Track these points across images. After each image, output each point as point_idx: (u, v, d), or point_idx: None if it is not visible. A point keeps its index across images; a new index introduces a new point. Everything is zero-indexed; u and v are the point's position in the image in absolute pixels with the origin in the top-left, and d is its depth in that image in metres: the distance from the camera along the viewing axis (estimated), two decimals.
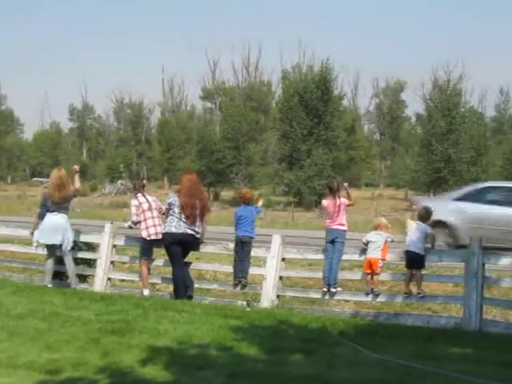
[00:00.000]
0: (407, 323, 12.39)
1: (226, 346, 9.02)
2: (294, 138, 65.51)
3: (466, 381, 7.54)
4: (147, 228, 14.09)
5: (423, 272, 13.07)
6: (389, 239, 13.00)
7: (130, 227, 14.38)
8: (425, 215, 13.02)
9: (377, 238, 12.95)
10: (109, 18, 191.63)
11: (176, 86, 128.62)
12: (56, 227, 14.41)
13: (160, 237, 14.02)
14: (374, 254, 12.87)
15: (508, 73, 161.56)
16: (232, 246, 14.07)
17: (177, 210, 13.73)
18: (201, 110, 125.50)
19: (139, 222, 14.17)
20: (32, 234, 15.03)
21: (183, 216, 13.69)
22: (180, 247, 13.82)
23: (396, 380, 7.44)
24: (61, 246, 14.54)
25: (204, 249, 14.56)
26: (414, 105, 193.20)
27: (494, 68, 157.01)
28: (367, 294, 13.19)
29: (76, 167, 15.14)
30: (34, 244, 15.08)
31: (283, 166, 67.30)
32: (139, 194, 14.40)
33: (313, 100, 65.99)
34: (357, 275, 14.04)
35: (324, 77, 67.56)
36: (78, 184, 14.87)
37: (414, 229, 12.67)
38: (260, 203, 14.81)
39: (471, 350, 9.75)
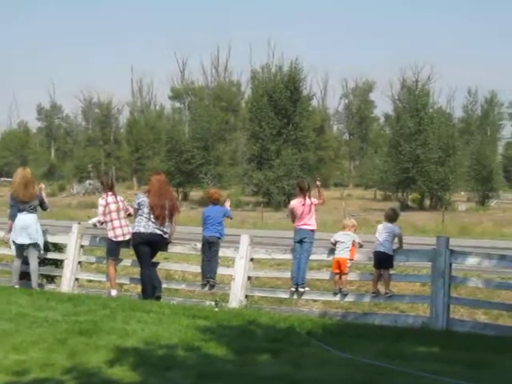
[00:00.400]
0: (375, 323, 12.44)
1: (194, 347, 8.97)
2: (263, 138, 65.69)
3: (433, 380, 7.57)
4: (114, 229, 14.02)
5: (391, 272, 13.14)
6: (357, 240, 13.06)
7: (95, 225, 14.29)
8: (393, 216, 13.09)
9: (345, 239, 12.99)
10: (78, 18, 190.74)
11: (145, 86, 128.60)
12: (25, 227, 14.28)
13: (127, 238, 13.97)
14: (342, 254, 12.91)
15: (476, 74, 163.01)
16: (200, 246, 14.05)
17: (146, 210, 13.69)
18: (170, 110, 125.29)
19: (105, 222, 14.10)
20: (6, 235, 14.82)
21: (152, 216, 13.65)
22: (148, 247, 13.78)
23: (364, 379, 7.45)
24: (29, 245, 14.42)
25: (172, 249, 14.52)
26: (382, 105, 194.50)
27: (462, 69, 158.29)
28: (335, 294, 13.24)
29: (41, 185, 15.05)
30: (12, 246, 14.83)
31: (252, 166, 67.45)
32: (109, 193, 14.29)
33: (282, 100, 66.26)
34: (325, 275, 14.07)
35: (293, 77, 67.91)
36: (45, 201, 14.82)
37: (381, 229, 12.74)
38: (228, 204, 14.77)
39: (438, 349, 9.79)
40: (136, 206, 13.93)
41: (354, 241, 13.00)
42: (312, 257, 13.49)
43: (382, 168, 70.36)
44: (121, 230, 14.03)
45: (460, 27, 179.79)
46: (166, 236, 13.90)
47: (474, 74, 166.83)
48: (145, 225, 13.68)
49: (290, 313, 13.08)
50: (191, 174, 72.40)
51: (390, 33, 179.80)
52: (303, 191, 13.43)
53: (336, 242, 13.03)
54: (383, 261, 12.65)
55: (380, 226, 12.86)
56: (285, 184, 60.68)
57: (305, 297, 13.89)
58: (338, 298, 13.32)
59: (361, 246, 13.15)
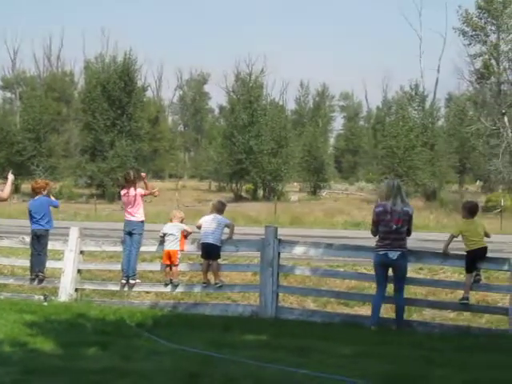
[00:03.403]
0: (205, 312, 12.60)
1: (21, 342, 8.78)
2: (96, 129, 64.76)
3: (259, 367, 7.74)
4: None
5: (221, 262, 13.31)
6: (185, 227, 13.12)
7: None
8: (221, 208, 13.25)
9: (173, 230, 13.05)
10: None
11: None
12: None
13: None
14: (172, 245, 12.97)
15: (307, 67, 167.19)
16: (28, 239, 13.73)
17: None
18: (0, 100, 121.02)
19: None
20: None
21: None
22: None
23: (191, 369, 7.51)
24: None
25: (0, 243, 14.13)
26: (217, 97, 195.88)
27: (294, 63, 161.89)
28: (166, 285, 13.29)
29: None
30: None
31: (86, 157, 66.32)
32: None
33: (116, 91, 65.53)
34: (157, 266, 14.10)
35: (127, 68, 67.30)
36: None
37: (210, 220, 12.85)
38: (45, 192, 14.21)
39: (266, 337, 10.02)
40: None
41: (182, 230, 13.08)
42: (143, 248, 13.48)
43: (216, 159, 71.03)
44: None
45: (293, 26, 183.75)
46: None
47: (305, 68, 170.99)
48: None
49: (121, 305, 13.05)
50: (23, 166, 70.24)
51: (225, 25, 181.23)
52: (129, 182, 13.38)
53: (165, 234, 13.07)
54: (211, 251, 12.79)
55: (208, 217, 12.98)
56: (119, 176, 59.95)
57: (136, 288, 13.87)
58: (169, 289, 13.36)
59: (189, 234, 13.20)
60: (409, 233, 11.34)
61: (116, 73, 66.82)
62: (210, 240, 12.70)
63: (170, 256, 12.99)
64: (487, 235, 11.50)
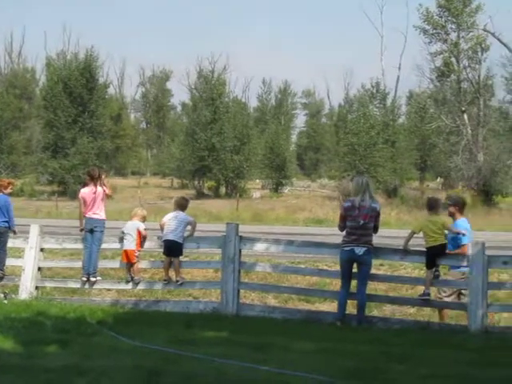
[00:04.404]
0: (167, 309, 12.60)
1: None
2: (58, 126, 64.30)
3: (219, 363, 7.78)
4: None
5: (182, 259, 13.30)
6: (141, 228, 13.09)
7: None
8: (183, 203, 13.24)
9: (131, 230, 13.05)
10: None
11: None
12: None
13: None
14: (129, 245, 12.96)
15: (269, 65, 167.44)
16: None
17: None
18: None
19: None
20: None
21: None
22: None
23: (151, 366, 7.54)
24: None
25: None
26: (179, 94, 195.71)
27: (256, 60, 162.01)
28: (127, 282, 13.27)
29: None
30: None
31: (47, 154, 65.71)
32: None
33: (77, 88, 65.16)
34: (118, 264, 14.06)
35: (89, 64, 66.94)
36: None
37: (172, 217, 12.83)
38: (7, 191, 14.10)
39: (227, 334, 10.07)
40: None
41: (138, 229, 13.05)
42: (104, 246, 13.47)
43: (178, 156, 70.72)
44: None
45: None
46: None
47: (267, 65, 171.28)
48: None
49: (81, 303, 12.96)
50: None
51: (187, 23, 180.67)
52: (93, 179, 13.33)
53: (124, 233, 13.05)
54: (173, 248, 12.77)
55: (170, 215, 12.95)
56: (80, 173, 59.50)
57: (97, 286, 13.82)
58: (130, 286, 13.34)
59: (144, 237, 13.16)
60: (375, 229, 11.47)
61: (78, 70, 66.37)
62: (172, 237, 12.67)
63: (127, 255, 13.01)
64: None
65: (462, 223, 12.26)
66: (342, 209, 11.54)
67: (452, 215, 12.34)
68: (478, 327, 11.05)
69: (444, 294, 12.19)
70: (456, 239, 11.96)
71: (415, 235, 11.74)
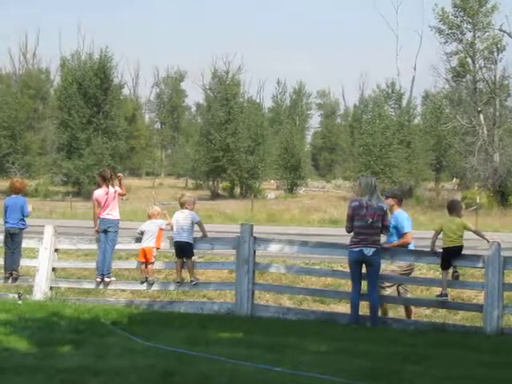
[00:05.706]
0: (181, 310, 12.57)
1: None
2: (72, 126, 64.50)
3: (233, 364, 7.75)
4: None
5: (196, 260, 13.27)
6: (163, 226, 13.05)
7: None
8: (186, 200, 13.07)
9: (150, 227, 13.00)
10: None
11: None
12: None
13: None
14: (147, 243, 12.91)
15: (284, 65, 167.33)
16: (2, 238, 13.64)
17: None
18: None
19: None
20: None
21: None
22: None
23: (166, 367, 7.52)
24: None
25: None
26: (194, 94, 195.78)
27: (272, 61, 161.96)
28: (142, 283, 13.23)
29: None
30: None
31: (62, 155, 65.94)
32: None
33: (92, 88, 65.32)
34: (132, 264, 14.05)
35: (103, 65, 67.12)
36: None
37: (181, 218, 12.76)
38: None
39: (241, 335, 10.05)
40: None
41: (160, 227, 13.02)
42: (118, 246, 13.46)
43: (193, 157, 70.77)
44: None
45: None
46: None
47: (282, 65, 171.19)
48: None
49: (96, 303, 12.96)
50: None
51: (202, 23, 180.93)
52: (106, 180, 13.34)
53: (142, 231, 13.01)
54: (183, 249, 12.74)
55: (179, 215, 12.83)
56: (95, 173, 59.68)
57: (112, 286, 13.81)
58: (144, 286, 13.31)
59: (167, 225, 13.06)
60: (385, 229, 11.44)
61: (92, 70, 66.58)
62: (182, 238, 12.63)
63: (145, 253, 12.95)
64: (470, 230, 11.59)
65: (400, 214, 12.45)
66: (350, 208, 11.47)
67: (390, 207, 12.33)
68: (494, 328, 10.98)
69: (383, 285, 12.13)
70: (397, 228, 12.18)
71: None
